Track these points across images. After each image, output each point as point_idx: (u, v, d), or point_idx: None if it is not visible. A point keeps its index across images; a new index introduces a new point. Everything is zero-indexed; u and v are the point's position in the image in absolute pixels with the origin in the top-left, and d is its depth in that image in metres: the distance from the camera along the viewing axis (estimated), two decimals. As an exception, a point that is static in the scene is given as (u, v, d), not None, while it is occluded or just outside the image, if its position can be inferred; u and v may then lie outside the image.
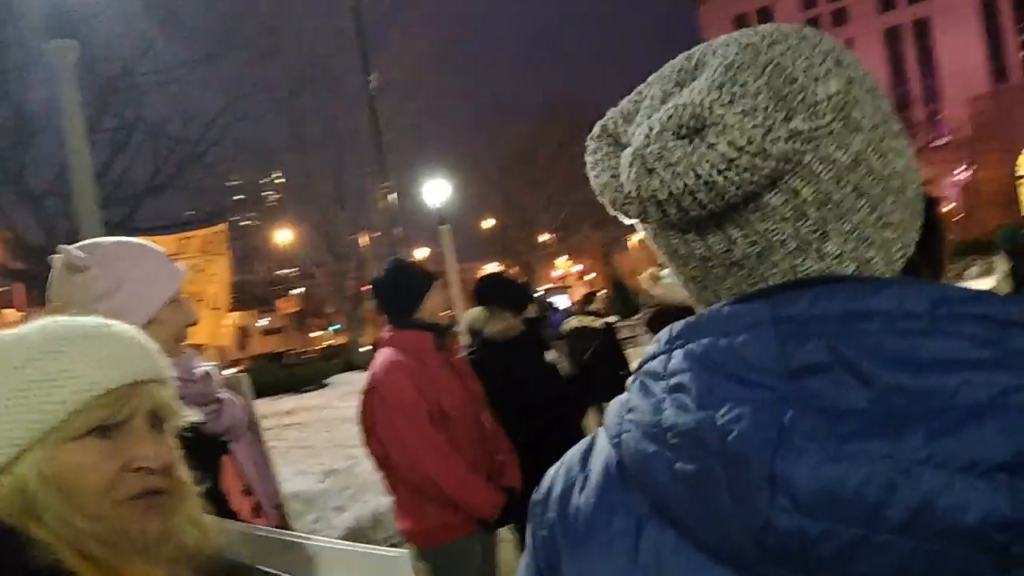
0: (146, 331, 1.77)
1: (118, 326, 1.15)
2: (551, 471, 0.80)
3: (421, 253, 36.55)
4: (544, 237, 46.84)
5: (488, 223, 46.13)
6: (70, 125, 6.62)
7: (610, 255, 45.70)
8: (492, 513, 3.19)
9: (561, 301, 25.77)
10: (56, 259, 1.82)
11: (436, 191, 19.86)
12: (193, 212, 26.99)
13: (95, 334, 1.10)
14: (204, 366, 1.94)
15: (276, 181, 30.23)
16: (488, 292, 4.23)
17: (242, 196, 29.97)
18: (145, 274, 1.81)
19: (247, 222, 31.79)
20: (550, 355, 4.38)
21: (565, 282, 54.35)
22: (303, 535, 1.28)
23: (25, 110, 24.10)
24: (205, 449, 1.75)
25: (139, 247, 1.88)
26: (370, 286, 3.58)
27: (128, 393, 1.07)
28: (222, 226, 5.60)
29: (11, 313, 30.10)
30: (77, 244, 1.86)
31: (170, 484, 1.11)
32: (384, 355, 3.32)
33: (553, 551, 0.75)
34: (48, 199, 24.65)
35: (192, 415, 1.22)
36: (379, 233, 29.73)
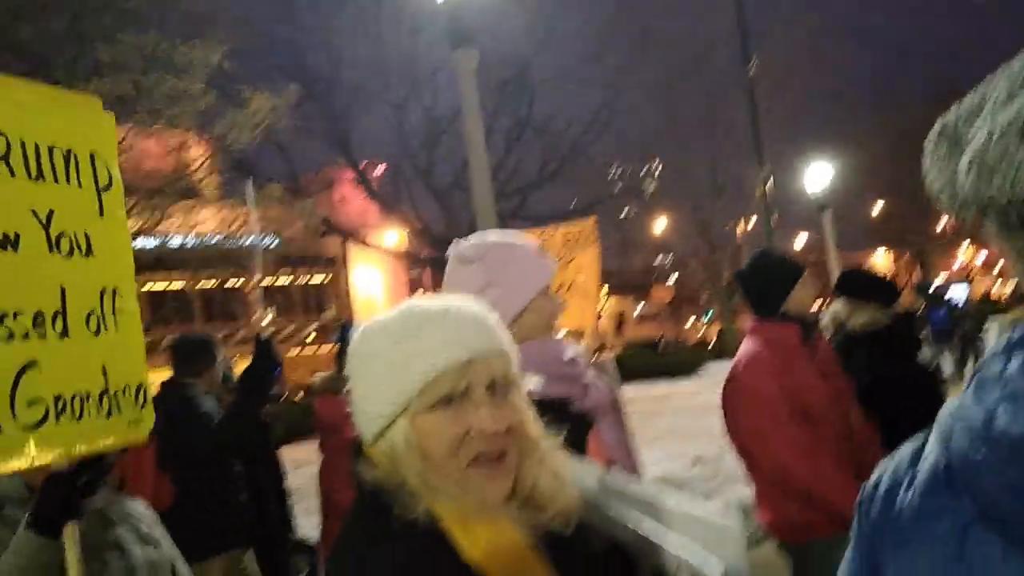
0: (519, 320, 2.01)
1: (460, 306, 1.28)
2: (880, 465, 0.80)
3: (800, 242, 35.05)
4: (943, 223, 42.50)
5: (876, 208, 42.89)
6: (471, 125, 7.36)
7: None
8: None
9: (959, 293, 23.22)
10: (451, 251, 2.13)
11: (817, 175, 18.94)
12: (576, 203, 28.52)
13: (439, 316, 1.25)
14: (572, 350, 2.12)
15: (654, 171, 30.78)
16: (851, 283, 4.03)
17: (621, 185, 30.94)
18: (520, 269, 2.07)
19: (625, 212, 32.76)
20: (930, 350, 4.06)
21: (967, 272, 48.84)
22: (650, 490, 1.39)
23: (433, 113, 27.17)
24: (574, 425, 1.92)
25: (516, 246, 2.13)
26: (735, 277, 3.58)
27: (466, 367, 1.21)
28: (589, 220, 5.86)
29: (420, 295, 34.14)
30: (469, 238, 2.17)
31: (514, 443, 1.24)
32: (747, 347, 3.31)
33: (876, 548, 0.75)
34: (452, 193, 27.56)
35: (540, 385, 1.41)
36: (755, 220, 29.12)
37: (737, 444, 3.27)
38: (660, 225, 34.53)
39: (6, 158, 1.99)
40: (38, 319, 1.97)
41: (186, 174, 18.48)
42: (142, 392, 2.23)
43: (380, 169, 31.06)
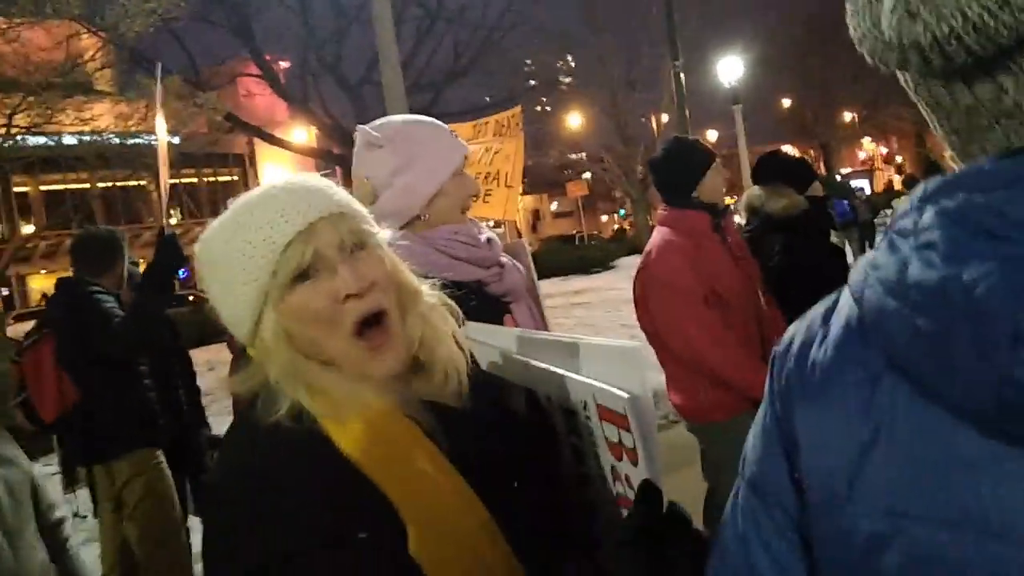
0: (432, 203, 1.94)
1: (288, 180, 1.20)
2: (793, 326, 0.81)
3: (711, 137, 35.51)
4: (847, 117, 43.49)
5: (785, 103, 43.56)
6: (379, 16, 7.10)
7: (924, 135, 41.56)
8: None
9: (863, 186, 23.93)
10: (357, 137, 2.04)
11: (729, 69, 19.02)
12: (489, 99, 28.10)
13: (267, 197, 1.17)
14: (487, 233, 2.09)
15: (568, 65, 30.46)
16: (768, 168, 4.07)
17: (535, 81, 30.57)
18: (432, 150, 1.98)
19: (540, 107, 32.49)
20: (836, 237, 4.16)
21: (869, 166, 50.43)
22: (550, 334, 1.38)
23: (340, 2, 26.08)
24: (488, 307, 1.90)
25: (425, 125, 2.04)
26: (648, 165, 3.58)
27: (308, 235, 1.12)
28: (516, 109, 5.78)
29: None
30: (375, 123, 2.08)
31: (390, 298, 1.17)
32: (659, 235, 3.33)
33: (788, 402, 0.76)
34: (363, 88, 26.79)
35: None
36: (669, 116, 29.28)
37: (649, 329, 3.33)
38: (574, 121, 34.40)
39: None
40: None
41: (78, 65, 17.40)
42: None
43: (286, 63, 29.92)
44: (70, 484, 4.57)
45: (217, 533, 1.10)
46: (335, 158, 28.62)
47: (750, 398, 3.18)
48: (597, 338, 1.19)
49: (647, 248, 3.36)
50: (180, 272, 4.38)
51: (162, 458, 4.20)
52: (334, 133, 27.78)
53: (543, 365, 1.28)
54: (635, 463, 1.09)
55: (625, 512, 1.12)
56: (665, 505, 1.04)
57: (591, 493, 1.26)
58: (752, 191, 4.21)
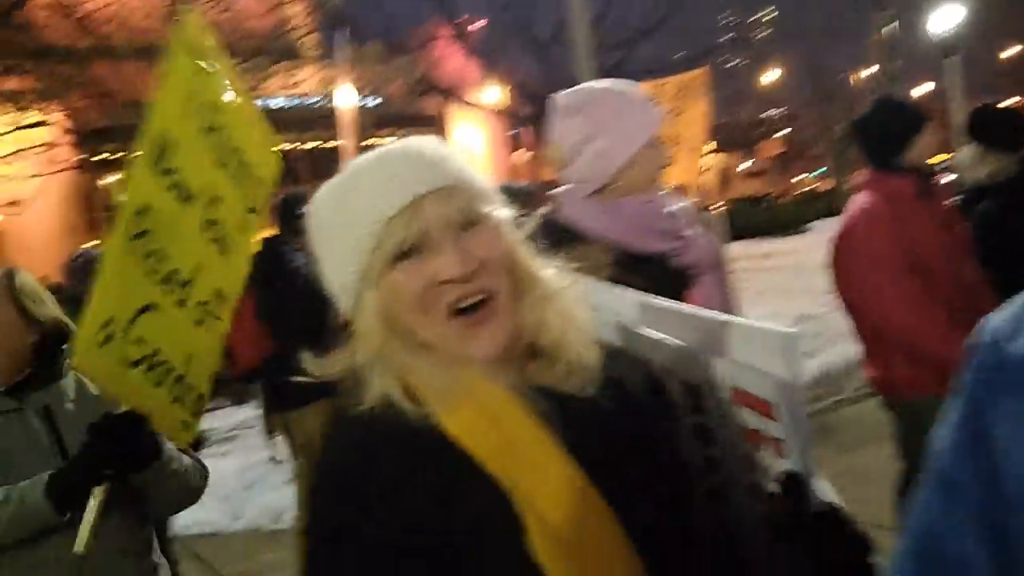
0: (624, 171, 1.93)
1: (402, 146, 1.11)
2: (992, 316, 0.76)
3: (922, 91, 33.00)
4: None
5: (1009, 52, 39.69)
6: (569, -26, 7.07)
7: None
8: None
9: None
10: (551, 103, 2.07)
11: (944, 18, 17.53)
12: (680, 56, 27.39)
13: (377, 163, 1.09)
14: (676, 204, 2.06)
15: (766, 18, 29.17)
16: (981, 127, 3.72)
17: (730, 35, 29.47)
18: (626, 119, 1.97)
19: (733, 63, 31.35)
20: None
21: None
22: (699, 309, 1.24)
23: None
24: (672, 280, 1.89)
25: (622, 94, 2.02)
26: (852, 125, 3.38)
27: (415, 210, 1.04)
28: (701, 70, 5.62)
29: (521, 153, 33.96)
30: (570, 89, 2.09)
31: (502, 282, 1.07)
32: (861, 200, 3.17)
33: (984, 394, 0.72)
34: (551, 48, 26.83)
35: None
36: (874, 69, 27.42)
37: (846, 299, 3.18)
38: (770, 77, 32.95)
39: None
40: (173, 275, 2.05)
41: (285, 32, 18.46)
42: (201, 401, 2.23)
43: (478, 24, 30.40)
44: (270, 431, 4.91)
45: (325, 524, 1.05)
46: (525, 118, 28.94)
47: (950, 375, 2.97)
48: (743, 319, 1.11)
49: (848, 213, 3.19)
50: None
51: None
52: (524, 93, 28.08)
53: (667, 338, 1.20)
54: (781, 454, 1.02)
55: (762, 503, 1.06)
56: (815, 498, 0.97)
57: (720, 477, 1.19)
58: (963, 153, 3.87)
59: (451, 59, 30.91)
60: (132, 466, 2.02)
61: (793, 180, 57.85)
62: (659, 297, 1.27)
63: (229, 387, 7.34)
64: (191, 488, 2.23)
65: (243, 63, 15.86)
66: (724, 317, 1.11)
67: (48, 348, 2.21)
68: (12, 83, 11.44)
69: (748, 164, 59.21)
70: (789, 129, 44.95)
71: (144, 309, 1.97)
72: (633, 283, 1.72)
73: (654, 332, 1.23)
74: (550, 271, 1.15)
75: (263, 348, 4.37)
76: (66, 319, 2.26)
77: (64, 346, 2.21)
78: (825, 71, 29.41)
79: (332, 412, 1.15)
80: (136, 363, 1.96)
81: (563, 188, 2.06)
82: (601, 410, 1.09)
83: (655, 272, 1.87)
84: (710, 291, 2.04)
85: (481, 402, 1.04)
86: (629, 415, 1.12)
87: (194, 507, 2.32)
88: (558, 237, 1.88)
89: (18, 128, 13.78)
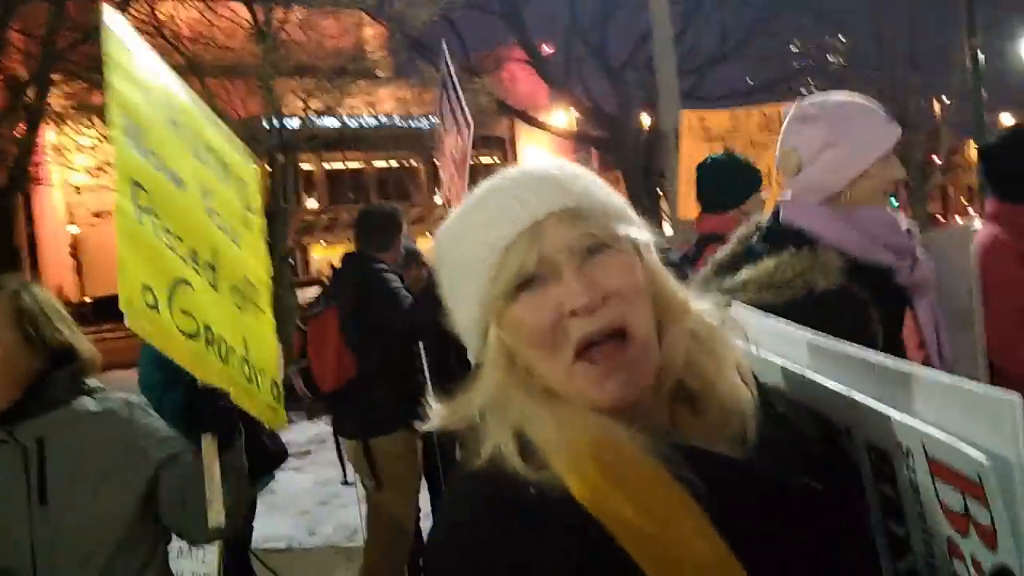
0: (856, 183, 1.97)
1: (524, 168, 1.02)
2: None
3: (1008, 120, 31.97)
4: None
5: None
6: (654, -2, 7.01)
7: None
8: None
9: None
10: (790, 109, 2.10)
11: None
12: (753, 82, 27.02)
13: (499, 186, 1.00)
14: (906, 222, 2.06)
15: (841, 43, 28.68)
16: None
17: (805, 61, 29.03)
18: (864, 131, 1.98)
19: (807, 90, 30.88)
20: None
21: None
22: (906, 363, 1.01)
23: (607, -13, 26.18)
24: (891, 297, 1.93)
25: (862, 106, 2.04)
26: (980, 153, 3.23)
27: (534, 234, 0.94)
28: (782, 104, 5.51)
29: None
30: (811, 98, 2.12)
31: (638, 310, 0.95)
32: (987, 232, 2.97)
33: None
34: (624, 72, 26.75)
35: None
36: (952, 100, 26.62)
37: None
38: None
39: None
40: (194, 255, 1.95)
41: (363, 54, 18.76)
42: (276, 387, 2.17)
43: (551, 48, 30.52)
44: (340, 452, 4.80)
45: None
46: (593, 140, 28.82)
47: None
48: (950, 375, 0.92)
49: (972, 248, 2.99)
50: None
51: (419, 444, 4.26)
52: (593, 116, 28.00)
53: (848, 390, 1.01)
54: (993, 547, 0.83)
55: None
56: None
57: (911, 562, 1.00)
58: None
59: (522, 82, 31.03)
60: (226, 430, 1.94)
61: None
62: (836, 338, 1.10)
63: (301, 402, 7.36)
64: (238, 500, 2.04)
65: (324, 81, 16.17)
66: (925, 371, 0.96)
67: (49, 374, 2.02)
68: (98, 97, 11.85)
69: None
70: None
71: (179, 282, 1.85)
72: (857, 293, 1.80)
73: (831, 382, 1.04)
74: (701, 303, 1.04)
75: (345, 369, 4.22)
76: (81, 343, 2.10)
77: (60, 370, 2.04)
78: (905, 98, 28.74)
79: (453, 479, 1.05)
80: (192, 336, 1.83)
81: (792, 193, 2.07)
82: (759, 475, 0.94)
83: (880, 284, 1.87)
84: (926, 315, 2.02)
85: (611, 462, 0.89)
86: (792, 479, 0.96)
87: (270, 521, 2.26)
88: (787, 241, 1.90)
89: (104, 141, 14.22)
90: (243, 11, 15.43)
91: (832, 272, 1.82)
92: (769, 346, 1.16)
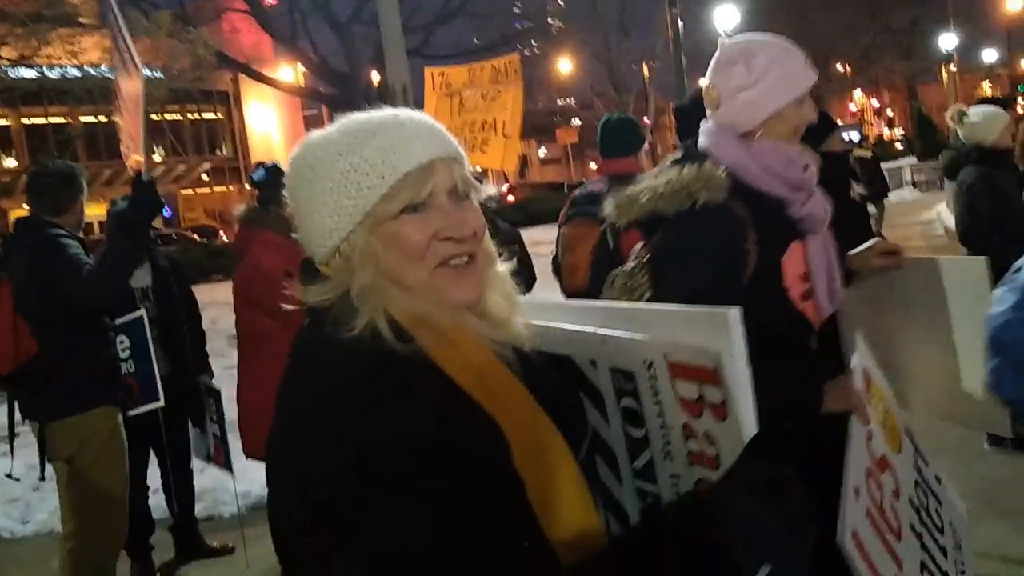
0: (768, 123, 2.05)
1: (405, 114, 1.20)
2: None
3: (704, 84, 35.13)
4: (839, 69, 43.10)
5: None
6: (375, -48, 6.94)
7: (915, 89, 41.19)
8: None
9: (853, 137, 23.84)
10: (718, 47, 2.16)
11: (726, 16, 18.78)
12: (479, 41, 27.66)
13: (392, 123, 1.17)
14: (808, 160, 2.12)
15: (559, 6, 30.00)
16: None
17: (525, 23, 30.12)
18: (780, 73, 2.06)
19: (529, 51, 32.10)
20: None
21: (859, 118, 50.29)
22: (608, 303, 1.42)
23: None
24: (782, 228, 2.04)
25: (781, 49, 2.10)
26: (674, 113, 3.63)
27: (428, 170, 1.14)
28: (514, 55, 5.74)
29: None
30: (735, 38, 2.18)
31: (480, 249, 1.19)
32: None
33: None
34: (351, 27, 26.27)
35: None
36: (660, 63, 28.86)
37: None
38: (565, 66, 33.95)
39: None
40: None
41: (65, -1, 16.96)
42: None
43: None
44: (10, 440, 4.17)
45: (326, 431, 1.04)
46: (322, 97, 28.00)
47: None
48: (671, 305, 1.25)
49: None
50: (163, 210, 4.11)
51: (120, 418, 3.90)
52: (322, 72, 27.04)
53: (592, 329, 1.29)
54: (723, 418, 1.11)
55: (703, 469, 1.17)
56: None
57: (647, 457, 1.28)
58: None
59: (244, 34, 29.59)
60: None
61: (591, 167, 59.85)
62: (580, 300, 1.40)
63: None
64: None
65: (18, 28, 14.41)
66: (654, 305, 1.34)
67: None
68: None
69: (544, 151, 60.77)
70: (582, 118, 46.59)
71: None
72: (736, 210, 1.94)
73: (585, 326, 1.32)
74: (499, 263, 1.27)
75: (24, 348, 3.68)
76: None
77: None
78: (617, 62, 30.62)
79: (305, 338, 1.18)
80: None
81: (711, 124, 2.14)
82: (543, 363, 1.27)
83: (771, 212, 2.00)
84: (817, 252, 2.11)
85: (460, 340, 1.14)
86: (570, 392, 1.33)
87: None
88: (695, 160, 2.02)
89: None
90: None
91: (716, 188, 1.94)
92: (539, 317, 1.38)
